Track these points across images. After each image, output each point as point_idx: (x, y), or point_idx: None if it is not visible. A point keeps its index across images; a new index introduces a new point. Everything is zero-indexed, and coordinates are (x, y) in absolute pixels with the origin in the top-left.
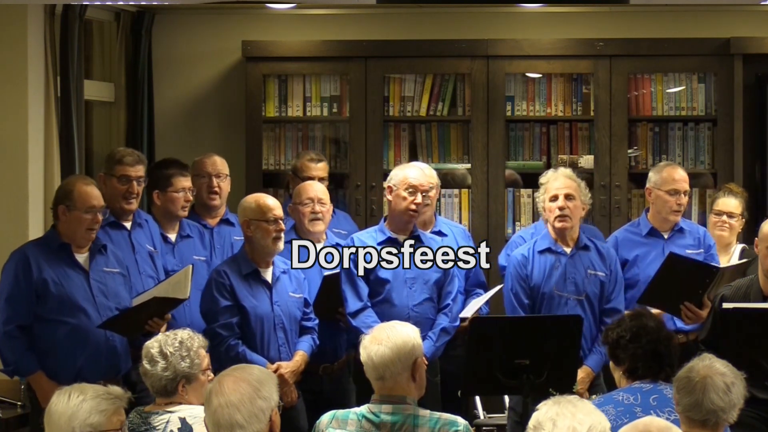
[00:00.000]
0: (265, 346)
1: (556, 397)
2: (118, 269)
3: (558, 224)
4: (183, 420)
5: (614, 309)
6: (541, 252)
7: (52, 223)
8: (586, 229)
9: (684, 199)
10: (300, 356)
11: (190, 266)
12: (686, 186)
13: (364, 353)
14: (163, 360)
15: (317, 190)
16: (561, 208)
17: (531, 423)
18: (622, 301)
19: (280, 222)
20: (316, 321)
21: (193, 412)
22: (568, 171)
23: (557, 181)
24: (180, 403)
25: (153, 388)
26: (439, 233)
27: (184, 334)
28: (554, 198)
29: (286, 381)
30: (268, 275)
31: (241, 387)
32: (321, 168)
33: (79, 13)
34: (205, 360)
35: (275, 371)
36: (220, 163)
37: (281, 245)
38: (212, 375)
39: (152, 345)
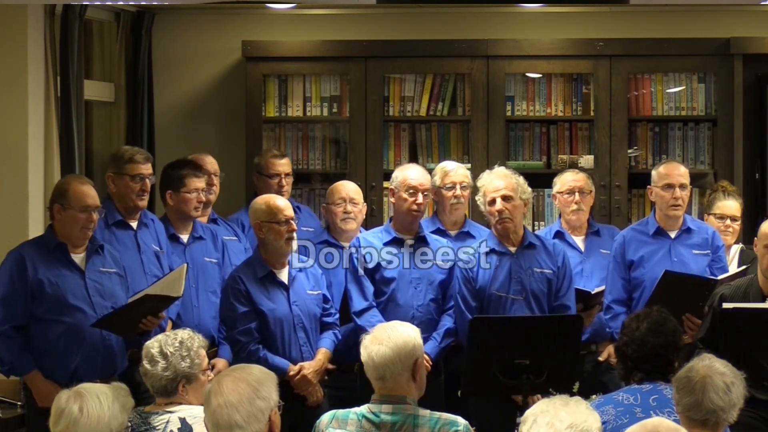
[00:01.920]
0: (287, 347)
1: (553, 397)
2: (114, 269)
3: (500, 226)
4: (183, 420)
5: (563, 305)
6: (486, 253)
7: (50, 223)
8: (603, 229)
9: (680, 193)
10: (322, 354)
11: (185, 265)
12: (682, 180)
13: (364, 353)
14: (164, 360)
15: (349, 189)
16: (500, 211)
17: (522, 418)
18: (571, 297)
19: (292, 222)
20: (337, 316)
21: (193, 412)
22: (503, 170)
23: (492, 183)
24: (180, 403)
25: (153, 388)
26: (468, 234)
27: (184, 334)
28: (492, 202)
29: (310, 381)
30: (284, 276)
31: (240, 387)
32: (285, 164)
33: (79, 13)
34: (205, 360)
35: (298, 372)
36: (215, 162)
37: (294, 245)
38: (212, 375)
39: (152, 345)
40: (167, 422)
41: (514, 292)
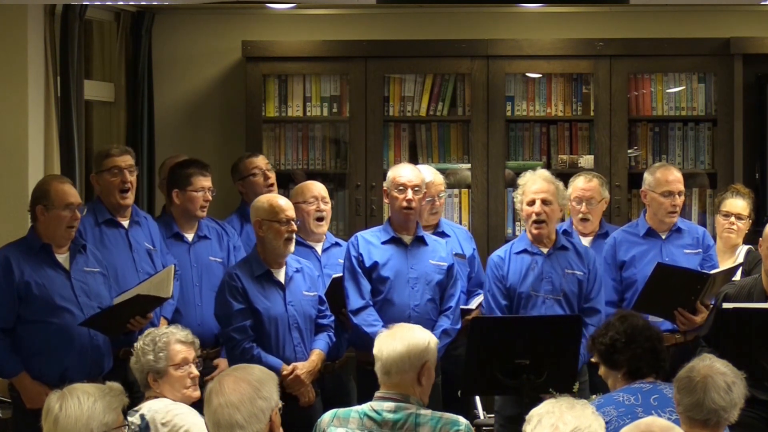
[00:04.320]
0: (281, 347)
1: (559, 398)
2: (98, 269)
3: (534, 230)
4: (142, 416)
5: (593, 308)
6: (517, 253)
7: (32, 224)
8: (609, 228)
9: (678, 200)
10: (316, 355)
11: (172, 266)
12: (680, 187)
13: (377, 346)
14: (136, 356)
15: (320, 188)
16: (537, 213)
17: (528, 415)
18: (601, 301)
19: (292, 223)
20: (332, 318)
21: (153, 407)
22: (546, 173)
23: (535, 184)
24: (153, 398)
25: (137, 382)
26: (442, 234)
27: (161, 330)
28: (531, 202)
29: (303, 381)
30: (281, 275)
31: (241, 387)
32: (260, 159)
33: (79, 13)
34: (180, 355)
35: (291, 372)
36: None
37: (292, 247)
38: (194, 371)
39: (135, 344)
40: (134, 419)
41: (546, 292)
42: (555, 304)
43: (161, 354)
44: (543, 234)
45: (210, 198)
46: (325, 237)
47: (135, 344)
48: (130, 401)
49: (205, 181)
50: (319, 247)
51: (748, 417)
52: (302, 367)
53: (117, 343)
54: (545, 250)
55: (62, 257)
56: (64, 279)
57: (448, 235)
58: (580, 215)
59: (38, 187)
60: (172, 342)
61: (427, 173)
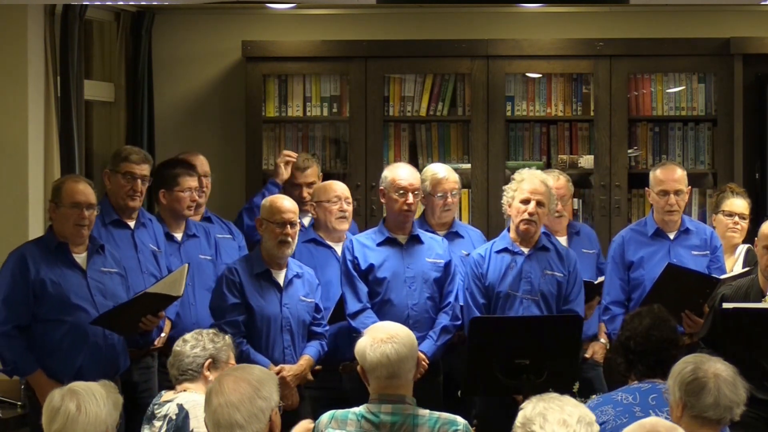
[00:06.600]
0: (270, 346)
1: (539, 395)
2: (115, 269)
3: (523, 227)
4: (180, 406)
5: (572, 311)
6: (498, 252)
7: (50, 223)
8: (582, 230)
9: (674, 199)
10: (305, 360)
11: (186, 265)
12: (677, 186)
13: (375, 353)
14: (195, 340)
15: (343, 188)
16: (531, 213)
17: (518, 420)
18: (581, 303)
19: (289, 227)
20: (327, 328)
21: (191, 398)
22: (544, 175)
23: (532, 184)
24: (185, 390)
25: (180, 369)
26: (456, 234)
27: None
28: (526, 201)
29: (288, 384)
30: (280, 277)
31: (241, 387)
32: (309, 174)
33: (79, 13)
34: (232, 359)
35: (278, 373)
36: (206, 163)
37: (287, 251)
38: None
39: (186, 335)
40: (168, 410)
41: (524, 292)
42: (532, 305)
43: (225, 347)
44: (530, 232)
45: (197, 198)
46: (346, 237)
47: (186, 335)
48: (135, 402)
49: (192, 182)
50: (339, 248)
51: (748, 417)
52: (289, 370)
53: (131, 343)
54: (526, 250)
55: (80, 257)
56: (80, 278)
57: (462, 236)
58: (557, 213)
59: (53, 185)
60: (230, 342)
61: (441, 170)
